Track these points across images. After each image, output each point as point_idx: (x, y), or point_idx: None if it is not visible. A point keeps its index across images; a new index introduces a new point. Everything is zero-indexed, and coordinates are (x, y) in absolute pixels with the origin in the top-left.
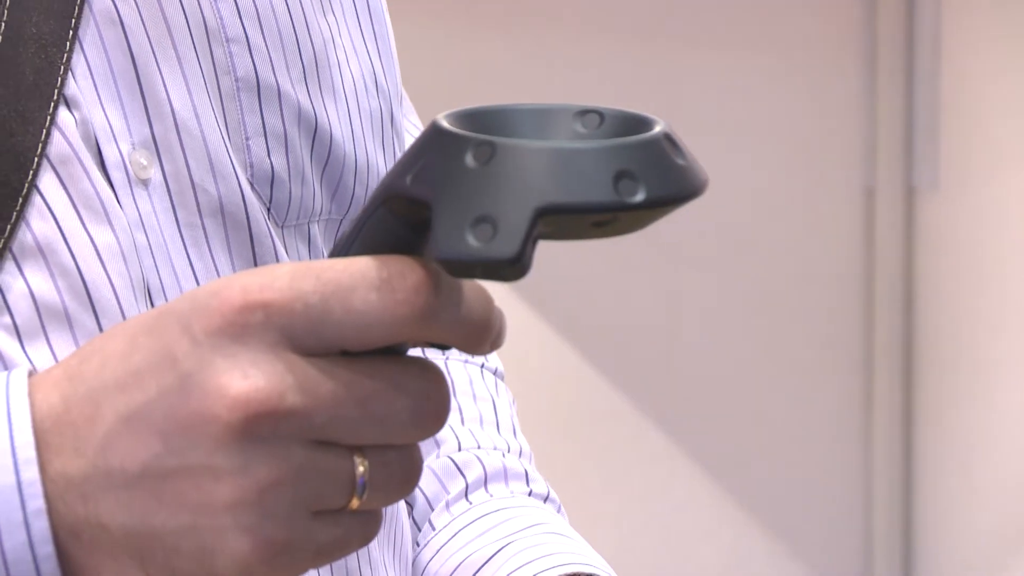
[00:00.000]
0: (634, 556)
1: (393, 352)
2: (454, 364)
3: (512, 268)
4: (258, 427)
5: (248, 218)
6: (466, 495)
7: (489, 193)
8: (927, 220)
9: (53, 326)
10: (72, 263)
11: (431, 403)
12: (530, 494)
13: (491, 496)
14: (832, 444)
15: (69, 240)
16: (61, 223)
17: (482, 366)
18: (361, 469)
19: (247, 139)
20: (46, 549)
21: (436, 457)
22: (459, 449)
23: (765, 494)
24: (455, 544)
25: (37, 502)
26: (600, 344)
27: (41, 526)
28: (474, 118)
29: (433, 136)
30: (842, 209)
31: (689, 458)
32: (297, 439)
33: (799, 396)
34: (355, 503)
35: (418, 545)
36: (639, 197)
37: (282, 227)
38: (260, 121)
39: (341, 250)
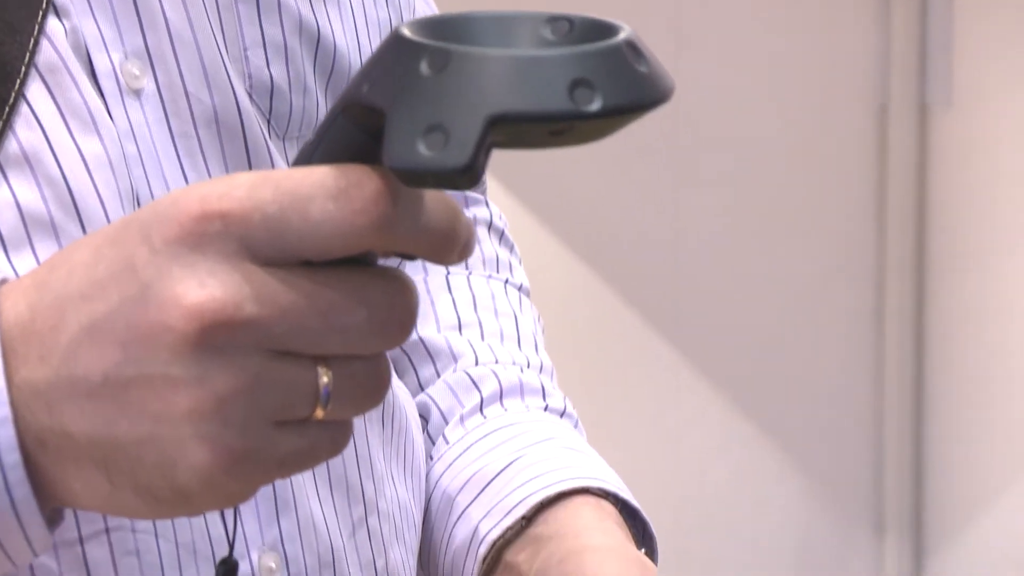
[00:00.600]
0: (644, 471)
1: (361, 263)
2: (477, 279)
3: (463, 177)
4: (214, 337)
5: (244, 128)
6: (481, 409)
7: (442, 101)
8: (940, 137)
9: (39, 235)
10: (59, 172)
11: (395, 312)
12: (546, 409)
13: (506, 411)
14: (843, 359)
15: (56, 150)
16: (48, 133)
17: (506, 281)
18: (325, 380)
19: (245, 50)
20: (13, 457)
21: (453, 371)
22: (476, 364)
23: (775, 409)
24: (467, 458)
25: (3, 410)
26: (612, 261)
27: (7, 434)
28: (439, 26)
29: (391, 44)
30: (855, 126)
31: (700, 374)
32: (255, 349)
33: (811, 311)
34: (320, 413)
35: (432, 459)
36: (595, 106)
37: (283, 138)
38: (259, 32)
39: (303, 159)
